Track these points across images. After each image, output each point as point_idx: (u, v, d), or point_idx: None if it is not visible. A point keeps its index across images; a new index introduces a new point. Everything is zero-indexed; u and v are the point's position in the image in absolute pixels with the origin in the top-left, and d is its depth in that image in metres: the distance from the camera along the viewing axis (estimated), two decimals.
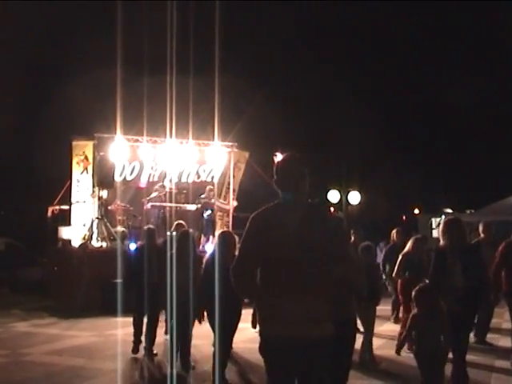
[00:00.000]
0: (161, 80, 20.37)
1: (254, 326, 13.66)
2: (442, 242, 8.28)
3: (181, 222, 13.41)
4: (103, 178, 19.28)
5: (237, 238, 8.63)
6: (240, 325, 11.89)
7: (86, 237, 19.17)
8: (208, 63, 20.92)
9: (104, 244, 19.05)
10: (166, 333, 11.85)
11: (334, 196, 30.17)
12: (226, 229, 19.58)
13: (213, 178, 22.44)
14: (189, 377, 9.51)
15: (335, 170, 29.48)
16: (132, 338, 11.54)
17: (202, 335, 10.08)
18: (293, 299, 4.52)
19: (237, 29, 24.50)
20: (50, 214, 22.13)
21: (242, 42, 26.52)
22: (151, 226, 13.16)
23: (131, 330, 13.03)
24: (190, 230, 11.55)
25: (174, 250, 9.94)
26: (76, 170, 21.00)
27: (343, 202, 29.61)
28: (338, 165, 29.56)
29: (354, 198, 30.09)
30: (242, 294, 5.33)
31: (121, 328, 13.88)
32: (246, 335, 13.14)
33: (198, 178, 22.46)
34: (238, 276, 4.79)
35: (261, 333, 4.76)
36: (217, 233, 10.19)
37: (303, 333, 4.54)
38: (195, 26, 22.09)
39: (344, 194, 29.65)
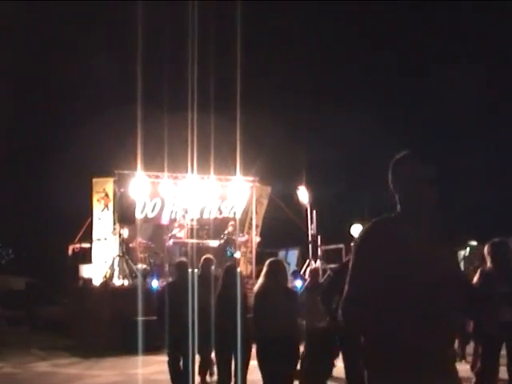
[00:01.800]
0: (181, 115, 20.13)
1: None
2: (488, 265, 7.87)
3: (209, 256, 13.04)
4: (124, 214, 19.02)
5: None
6: None
7: (108, 275, 18.79)
8: (229, 98, 20.67)
9: (125, 282, 18.66)
10: (211, 374, 11.49)
11: (356, 231, 29.74)
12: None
13: (235, 213, 22.11)
14: None
15: (359, 203, 28.91)
16: (157, 377, 11.50)
17: None
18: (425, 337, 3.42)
19: (257, 61, 24.29)
20: (70, 252, 21.84)
21: (262, 75, 26.32)
22: (183, 259, 12.79)
23: (157, 368, 12.77)
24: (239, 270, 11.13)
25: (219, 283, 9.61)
26: (97, 207, 20.81)
27: None
28: (361, 198, 29.14)
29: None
30: (358, 330, 3.89)
31: (145, 366, 13.60)
32: None
33: (220, 213, 22.18)
34: (353, 307, 3.56)
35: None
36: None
37: None
38: (216, 61, 21.97)
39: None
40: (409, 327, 3.39)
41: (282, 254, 23.51)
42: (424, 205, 3.64)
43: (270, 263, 8.48)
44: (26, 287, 25.00)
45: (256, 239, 22.62)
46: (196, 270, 11.56)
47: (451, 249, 3.89)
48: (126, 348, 15.05)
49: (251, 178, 22.61)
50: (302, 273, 20.26)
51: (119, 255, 19.12)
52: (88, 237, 21.01)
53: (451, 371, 3.59)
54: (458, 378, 3.61)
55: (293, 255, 23.23)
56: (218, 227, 21.39)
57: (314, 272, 13.97)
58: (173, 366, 10.72)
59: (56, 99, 27.17)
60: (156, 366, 13.78)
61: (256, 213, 22.84)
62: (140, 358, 14.31)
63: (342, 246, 21.70)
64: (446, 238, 3.76)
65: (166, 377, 11.22)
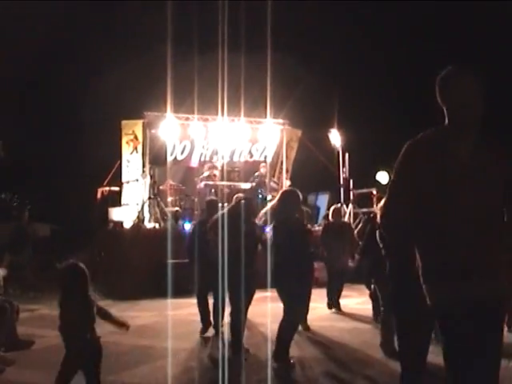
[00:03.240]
0: (212, 57, 19.70)
1: (330, 307, 13.14)
2: None
3: (240, 195, 12.76)
4: (155, 155, 18.75)
5: None
6: (312, 304, 11.32)
7: (139, 217, 18.46)
8: (260, 39, 20.16)
9: (157, 224, 18.38)
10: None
11: (382, 177, 29.28)
12: None
13: (266, 157, 21.74)
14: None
15: (385, 150, 28.37)
16: (195, 318, 11.15)
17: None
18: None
19: (289, 3, 23.62)
20: (99, 195, 21.51)
21: (294, 17, 25.64)
22: (213, 197, 12.48)
23: (192, 310, 12.53)
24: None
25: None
26: (126, 149, 20.48)
27: None
28: (387, 145, 28.62)
29: (383, 177, 29.30)
30: (397, 248, 3.89)
31: (180, 308, 13.45)
32: (318, 314, 12.58)
33: (251, 157, 21.85)
34: (392, 224, 3.79)
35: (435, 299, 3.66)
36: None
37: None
38: (247, 2, 21.50)
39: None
40: (466, 236, 3.54)
41: (311, 198, 23.16)
42: (474, 115, 3.70)
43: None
44: (52, 233, 24.79)
45: (286, 183, 22.25)
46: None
47: (503, 157, 3.74)
48: (158, 291, 14.83)
49: (281, 121, 22.22)
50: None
51: (150, 197, 18.81)
52: (117, 180, 20.69)
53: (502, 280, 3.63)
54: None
55: (323, 199, 22.80)
56: (248, 170, 21.14)
57: (337, 211, 13.81)
58: (201, 304, 10.93)
59: (85, 41, 26.54)
60: (192, 307, 13.55)
61: (286, 157, 22.48)
62: (174, 301, 14.19)
63: (374, 190, 21.36)
64: (496, 147, 3.75)
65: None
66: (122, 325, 6.31)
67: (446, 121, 3.78)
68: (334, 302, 13.30)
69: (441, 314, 3.68)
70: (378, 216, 8.30)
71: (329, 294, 13.37)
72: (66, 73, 26.44)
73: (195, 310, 11.84)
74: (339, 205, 16.99)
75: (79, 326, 5.99)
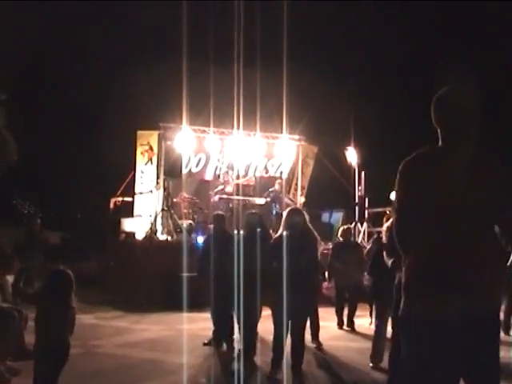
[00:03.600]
0: (228, 70, 19.58)
1: (341, 327, 12.97)
2: None
3: (254, 211, 12.67)
4: (170, 167, 18.62)
5: None
6: (323, 323, 11.10)
7: (151, 229, 18.26)
8: (276, 53, 20.06)
9: (169, 237, 18.18)
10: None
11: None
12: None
13: (281, 173, 21.56)
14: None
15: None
16: (207, 333, 11.00)
17: None
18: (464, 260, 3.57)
19: (305, 17, 23.54)
20: (112, 205, 21.39)
21: (310, 31, 25.56)
22: (220, 212, 12.38)
23: (204, 324, 12.38)
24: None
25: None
26: (140, 160, 20.35)
27: None
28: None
29: None
30: (406, 253, 3.80)
31: (192, 322, 13.20)
32: (330, 332, 12.34)
33: (266, 172, 21.67)
34: (403, 233, 3.80)
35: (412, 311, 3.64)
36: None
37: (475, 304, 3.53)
38: (263, 16, 21.39)
39: None
40: (446, 247, 3.58)
41: (325, 215, 22.93)
42: (466, 136, 3.77)
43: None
44: (62, 241, 24.62)
45: (301, 200, 22.08)
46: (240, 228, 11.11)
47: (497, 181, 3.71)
48: (170, 304, 14.58)
49: (297, 137, 22.07)
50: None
51: (163, 209, 18.63)
52: (130, 190, 20.55)
53: (491, 292, 3.64)
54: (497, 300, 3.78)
55: (337, 217, 22.53)
56: (263, 186, 20.88)
57: (347, 231, 13.79)
58: (214, 318, 10.78)
59: (101, 51, 26.50)
60: (203, 322, 13.36)
61: (302, 173, 22.34)
62: (185, 315, 13.93)
63: (390, 209, 21.06)
64: (488, 171, 3.73)
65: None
66: None
67: (440, 142, 3.87)
68: (342, 321, 13.14)
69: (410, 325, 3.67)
70: (383, 236, 8.57)
71: (337, 313, 13.21)
72: (83, 83, 26.36)
73: (208, 324, 11.67)
74: (350, 225, 16.83)
75: (53, 328, 6.42)
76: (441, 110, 3.86)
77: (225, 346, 10.36)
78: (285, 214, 8.73)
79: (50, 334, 6.48)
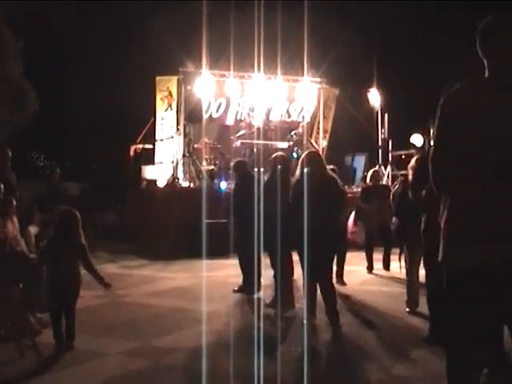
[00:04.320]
0: (248, 12, 19.09)
1: (370, 271, 12.82)
2: None
3: (281, 153, 12.36)
4: (191, 112, 18.31)
5: None
6: (352, 267, 10.92)
7: (174, 175, 18.03)
8: None
9: (192, 183, 17.97)
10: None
11: (416, 140, 28.71)
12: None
13: (304, 117, 21.21)
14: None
15: (418, 112, 27.76)
16: (232, 280, 10.95)
17: None
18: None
19: None
20: (132, 153, 21.12)
21: None
22: (240, 159, 12.17)
23: (229, 271, 12.39)
24: None
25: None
26: (160, 106, 20.09)
27: (426, 147, 28.20)
28: (422, 106, 27.99)
29: (417, 140, 28.75)
30: (444, 190, 3.65)
31: (217, 270, 13.14)
32: (360, 277, 12.20)
33: (289, 117, 21.30)
34: (442, 170, 3.58)
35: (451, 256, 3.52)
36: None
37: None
38: None
39: (427, 138, 28.25)
40: (486, 190, 3.37)
41: (348, 159, 22.63)
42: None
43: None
44: (81, 193, 24.45)
45: (323, 143, 21.78)
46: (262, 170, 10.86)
47: None
48: (193, 251, 14.33)
49: (319, 80, 21.67)
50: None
51: (185, 155, 18.39)
52: (150, 137, 20.31)
53: None
54: None
55: (360, 161, 22.22)
56: (285, 130, 20.53)
57: (375, 174, 13.58)
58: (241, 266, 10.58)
59: None
60: (229, 269, 13.27)
61: (324, 117, 21.96)
62: (209, 262, 13.85)
63: (413, 151, 20.80)
64: None
65: (239, 279, 10.87)
66: (103, 283, 7.38)
67: (486, 73, 3.59)
68: (372, 265, 13.08)
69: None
70: (409, 174, 8.13)
71: (367, 257, 13.04)
72: (100, 29, 25.91)
73: (232, 271, 11.69)
74: (377, 168, 16.56)
75: (64, 262, 7.04)
76: (494, 38, 3.54)
77: (256, 292, 10.14)
78: (300, 158, 8.47)
79: (61, 268, 7.03)
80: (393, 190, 12.53)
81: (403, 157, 21.02)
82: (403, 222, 9.05)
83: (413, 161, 8.06)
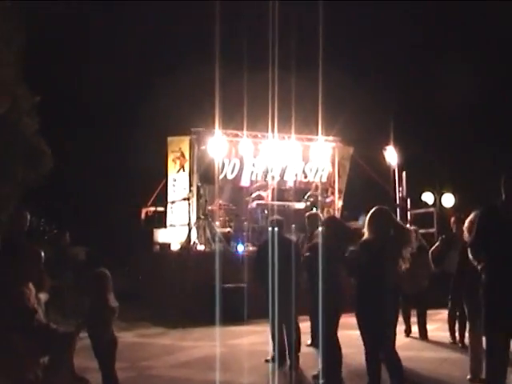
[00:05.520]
0: (260, 72, 18.99)
1: (408, 334, 12.16)
2: None
3: (315, 212, 11.82)
4: (206, 173, 17.80)
5: None
6: None
7: (189, 239, 17.32)
8: (311, 54, 19.43)
9: (207, 246, 17.30)
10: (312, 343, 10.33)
11: (428, 198, 28.31)
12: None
13: (321, 177, 20.80)
14: None
15: (430, 170, 27.47)
16: (261, 348, 10.48)
17: None
18: None
19: (339, 19, 22.85)
20: (143, 216, 20.49)
21: (344, 32, 24.82)
22: (278, 217, 11.47)
23: (253, 339, 12.03)
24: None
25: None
26: (172, 168, 19.61)
27: (437, 205, 27.81)
28: (432, 165, 27.68)
29: (448, 200, 28.32)
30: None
31: (241, 337, 12.58)
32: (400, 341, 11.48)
33: (305, 177, 20.79)
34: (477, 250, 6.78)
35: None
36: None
37: None
38: (297, 18, 20.89)
39: (438, 195, 27.95)
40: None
41: (362, 218, 21.97)
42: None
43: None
44: (87, 257, 23.77)
45: (339, 203, 21.23)
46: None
47: None
48: (211, 318, 13.54)
49: (332, 138, 21.23)
50: None
51: (200, 217, 17.75)
52: (162, 200, 19.74)
53: None
54: None
55: None
56: (301, 190, 20.15)
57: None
58: (275, 334, 9.70)
59: (131, 56, 25.76)
60: (253, 336, 12.68)
61: (339, 176, 21.45)
62: (229, 329, 13.41)
63: (432, 209, 20.33)
64: None
65: (268, 347, 10.27)
66: None
67: (503, 196, 6.57)
68: (410, 328, 12.52)
69: None
70: (466, 233, 8.24)
71: (405, 320, 12.41)
72: (110, 88, 25.58)
73: (256, 338, 11.59)
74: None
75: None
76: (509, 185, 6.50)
77: (288, 362, 9.40)
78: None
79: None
80: (433, 248, 12.04)
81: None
82: (465, 281, 8.60)
83: (469, 219, 8.09)
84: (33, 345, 6.68)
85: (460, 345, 11.03)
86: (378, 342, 7.07)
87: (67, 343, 6.96)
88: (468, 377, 8.31)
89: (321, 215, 11.02)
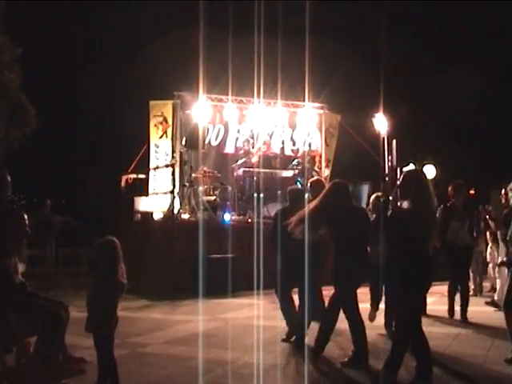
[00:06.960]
0: (247, 36, 18.24)
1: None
2: None
3: (318, 178, 11.18)
4: (190, 137, 17.08)
5: None
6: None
7: (172, 207, 16.49)
8: (298, 18, 18.66)
9: (192, 215, 16.58)
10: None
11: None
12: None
13: (310, 144, 20.17)
14: None
15: (413, 142, 26.93)
16: (257, 323, 10.03)
17: None
18: None
19: None
20: (123, 183, 19.59)
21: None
22: (295, 186, 10.85)
23: (247, 312, 11.64)
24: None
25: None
26: (154, 133, 18.79)
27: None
28: (414, 136, 27.19)
29: (430, 171, 27.94)
30: None
31: (234, 311, 12.08)
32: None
33: (294, 144, 20.16)
34: None
35: None
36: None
37: None
38: None
39: (419, 166, 27.54)
40: None
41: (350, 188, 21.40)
42: None
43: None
44: (65, 226, 22.97)
45: (325, 172, 20.60)
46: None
47: None
48: (198, 289, 12.74)
49: (319, 105, 20.56)
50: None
51: (185, 185, 16.97)
52: (144, 167, 18.93)
53: None
54: None
55: (363, 190, 20.99)
56: (290, 158, 19.65)
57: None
58: (285, 300, 9.13)
59: (116, 18, 24.89)
60: (245, 309, 12.04)
61: (326, 144, 20.78)
62: (220, 302, 12.95)
63: None
64: None
65: (266, 322, 10.14)
66: None
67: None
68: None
69: None
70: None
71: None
72: (93, 53, 24.77)
73: (248, 312, 11.29)
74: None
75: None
76: None
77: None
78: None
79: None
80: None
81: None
82: None
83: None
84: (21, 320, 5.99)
85: (463, 319, 10.71)
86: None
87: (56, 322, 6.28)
88: (509, 356, 7.70)
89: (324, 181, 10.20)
